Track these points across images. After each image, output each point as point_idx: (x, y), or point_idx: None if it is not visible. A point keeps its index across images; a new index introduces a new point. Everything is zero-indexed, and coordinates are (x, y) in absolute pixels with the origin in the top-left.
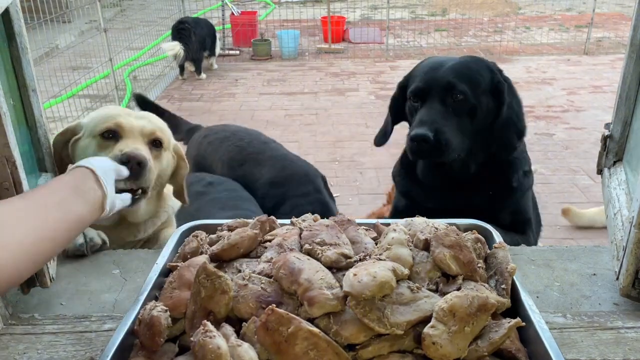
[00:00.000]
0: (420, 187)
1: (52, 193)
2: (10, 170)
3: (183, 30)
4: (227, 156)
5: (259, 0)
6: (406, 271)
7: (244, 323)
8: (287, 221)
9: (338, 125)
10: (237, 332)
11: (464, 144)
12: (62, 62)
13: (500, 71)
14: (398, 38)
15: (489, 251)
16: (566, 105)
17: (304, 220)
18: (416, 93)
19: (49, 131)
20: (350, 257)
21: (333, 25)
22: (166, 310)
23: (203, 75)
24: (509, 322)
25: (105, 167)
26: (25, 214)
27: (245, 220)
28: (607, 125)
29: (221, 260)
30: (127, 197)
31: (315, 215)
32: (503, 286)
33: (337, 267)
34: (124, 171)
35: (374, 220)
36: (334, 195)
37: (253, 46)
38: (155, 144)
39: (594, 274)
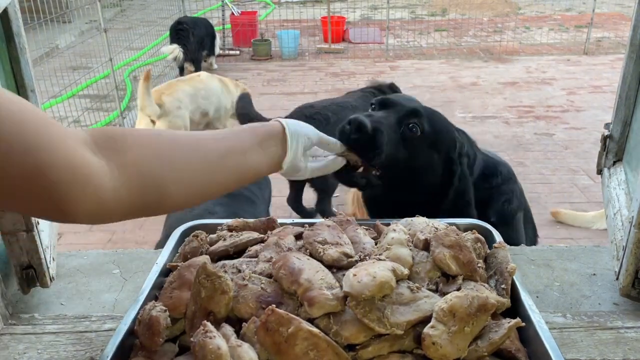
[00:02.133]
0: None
1: (239, 141)
2: None
3: (181, 31)
4: None
5: (259, 0)
6: (406, 271)
7: (244, 323)
8: (286, 220)
9: None
10: (237, 333)
11: (395, 159)
12: (62, 62)
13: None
14: (398, 38)
15: (488, 251)
16: (566, 105)
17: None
18: (381, 102)
19: None
20: (351, 257)
21: (333, 26)
22: (165, 310)
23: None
24: (508, 322)
25: (299, 129)
26: (206, 155)
27: (246, 220)
28: (606, 125)
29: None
30: (323, 164)
31: None
32: (503, 286)
33: (338, 266)
34: (335, 144)
35: (373, 220)
36: (334, 194)
37: (253, 46)
38: None
39: (594, 274)
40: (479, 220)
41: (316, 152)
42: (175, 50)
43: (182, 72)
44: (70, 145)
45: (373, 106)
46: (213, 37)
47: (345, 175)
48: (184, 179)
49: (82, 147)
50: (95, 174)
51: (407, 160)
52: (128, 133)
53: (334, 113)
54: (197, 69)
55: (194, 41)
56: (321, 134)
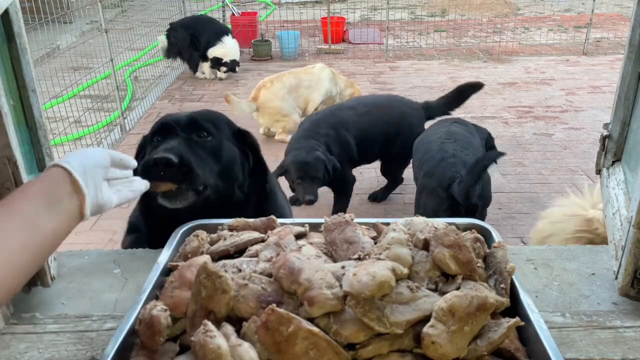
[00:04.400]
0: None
1: (15, 210)
2: (11, 171)
3: (172, 24)
4: None
5: (259, 1)
6: (405, 271)
7: (244, 322)
8: (286, 220)
9: None
10: (238, 332)
11: (208, 179)
12: (63, 63)
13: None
14: (398, 39)
15: (488, 250)
16: (565, 105)
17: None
18: (156, 130)
19: (49, 132)
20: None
21: (333, 26)
22: (166, 310)
23: (203, 74)
24: (508, 322)
25: (87, 163)
26: None
27: (246, 220)
28: (605, 126)
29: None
30: (131, 191)
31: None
32: (502, 285)
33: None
34: (129, 162)
35: (373, 220)
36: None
37: (253, 47)
38: None
39: (593, 274)
40: (479, 220)
41: (114, 173)
42: (164, 40)
43: (194, 70)
44: None
45: (154, 140)
46: (208, 41)
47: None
48: None
49: None
50: None
51: (218, 165)
52: None
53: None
54: (192, 69)
55: (181, 38)
56: (111, 153)
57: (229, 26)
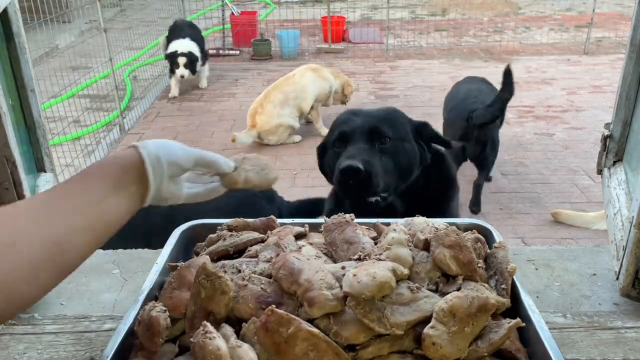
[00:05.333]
0: None
1: (86, 189)
2: (10, 170)
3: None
4: None
5: (259, 0)
6: (406, 271)
7: (244, 323)
8: (286, 220)
9: None
10: (237, 333)
11: (390, 183)
12: (62, 62)
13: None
14: (398, 38)
15: (488, 251)
16: (566, 105)
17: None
18: (339, 137)
19: (47, 131)
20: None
21: (333, 25)
22: (165, 311)
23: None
24: (509, 323)
25: (163, 156)
26: (46, 221)
27: (246, 220)
28: (607, 125)
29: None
30: (202, 191)
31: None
32: (503, 286)
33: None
34: (212, 160)
35: (374, 220)
36: None
37: (253, 46)
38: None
39: (594, 274)
40: (479, 220)
41: (195, 178)
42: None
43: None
44: None
45: (336, 147)
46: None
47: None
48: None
49: None
50: None
51: (398, 168)
52: None
53: None
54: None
55: (163, 44)
56: (201, 153)
57: (204, 33)
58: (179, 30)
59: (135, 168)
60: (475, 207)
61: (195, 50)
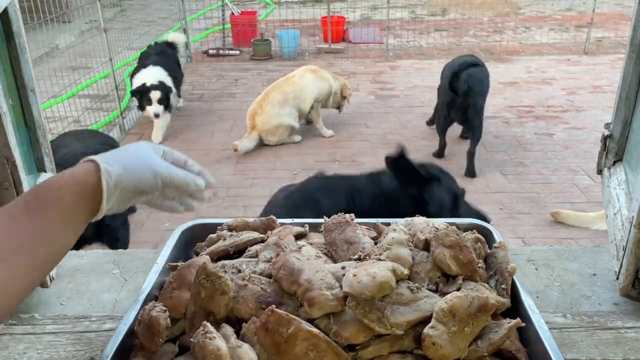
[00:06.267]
0: None
1: (35, 225)
2: (10, 170)
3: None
4: None
5: (259, 0)
6: (406, 271)
7: (244, 323)
8: (286, 220)
9: (338, 125)
10: (237, 333)
11: None
12: (62, 62)
13: None
14: (398, 38)
15: (489, 251)
16: (566, 105)
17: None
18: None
19: (47, 131)
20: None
21: (333, 25)
22: (165, 311)
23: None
24: (509, 323)
25: (125, 179)
26: None
27: (246, 220)
28: (607, 125)
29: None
30: (165, 205)
31: None
32: (503, 286)
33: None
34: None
35: (374, 220)
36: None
37: (253, 46)
38: None
39: (594, 274)
40: (479, 220)
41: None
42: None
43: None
44: None
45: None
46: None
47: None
48: None
49: None
50: None
51: None
52: None
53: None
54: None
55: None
56: (172, 178)
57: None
58: (146, 57)
59: (91, 196)
60: (470, 174)
61: (167, 80)
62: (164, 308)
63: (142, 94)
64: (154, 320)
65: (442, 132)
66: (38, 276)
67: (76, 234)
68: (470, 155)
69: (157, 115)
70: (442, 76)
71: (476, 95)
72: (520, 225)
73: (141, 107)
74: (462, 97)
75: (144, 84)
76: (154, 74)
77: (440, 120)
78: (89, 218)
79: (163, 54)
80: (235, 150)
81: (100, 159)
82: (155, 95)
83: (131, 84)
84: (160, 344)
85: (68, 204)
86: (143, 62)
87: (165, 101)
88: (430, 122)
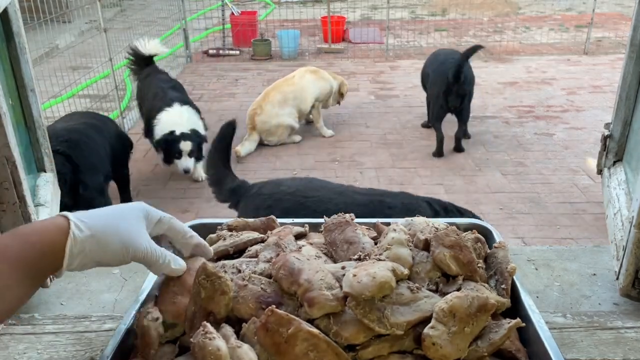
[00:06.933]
0: None
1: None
2: (10, 170)
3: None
4: None
5: (259, 0)
6: (406, 271)
7: (244, 324)
8: (286, 220)
9: (338, 125)
10: (237, 333)
11: None
12: (62, 62)
13: None
14: (398, 38)
15: (489, 251)
16: (566, 105)
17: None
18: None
19: (47, 131)
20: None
21: (333, 25)
22: (157, 319)
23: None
24: (509, 323)
25: (90, 247)
26: None
27: (246, 220)
28: (607, 125)
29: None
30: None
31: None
32: (503, 286)
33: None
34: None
35: (374, 220)
36: None
37: (253, 46)
38: None
39: (594, 274)
40: (479, 220)
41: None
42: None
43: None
44: None
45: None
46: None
47: None
48: None
49: None
50: None
51: None
52: None
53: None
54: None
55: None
56: (142, 255)
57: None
58: (158, 90)
59: (52, 255)
60: (459, 150)
61: (199, 125)
62: (156, 316)
63: (169, 144)
64: (145, 331)
65: (438, 122)
66: None
67: (34, 287)
68: (458, 140)
69: (187, 172)
70: (428, 70)
71: (471, 83)
72: (520, 225)
73: (167, 161)
74: (459, 86)
75: (172, 132)
76: (183, 117)
77: (435, 111)
78: (50, 273)
79: (170, 81)
80: (238, 155)
81: (74, 217)
82: (186, 146)
83: (148, 125)
84: (153, 353)
85: (31, 261)
86: (160, 96)
87: (197, 152)
88: (425, 125)
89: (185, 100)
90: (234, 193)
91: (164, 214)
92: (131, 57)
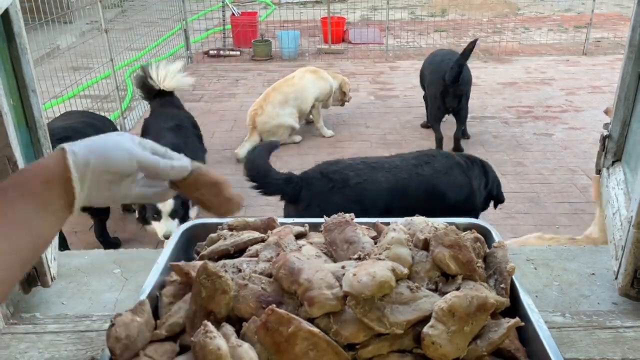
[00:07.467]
0: None
1: (6, 212)
2: (11, 170)
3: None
4: None
5: (259, 1)
6: (405, 271)
7: (244, 323)
8: (286, 220)
9: (338, 125)
10: (238, 332)
11: None
12: (63, 63)
13: None
14: (398, 39)
15: (488, 250)
16: (565, 105)
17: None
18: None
19: (48, 132)
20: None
21: (333, 26)
22: None
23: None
24: (508, 322)
25: (95, 162)
26: None
27: (246, 219)
28: (606, 126)
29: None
30: (150, 193)
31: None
32: (502, 285)
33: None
34: (159, 166)
35: (373, 220)
36: None
37: (253, 47)
38: None
39: (593, 274)
40: (479, 220)
41: (139, 182)
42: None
43: None
44: None
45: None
46: None
47: None
48: None
49: None
50: None
51: None
52: None
53: (358, 174)
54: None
55: None
56: (145, 159)
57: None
58: (155, 132)
59: (60, 180)
60: (458, 150)
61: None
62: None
63: (144, 204)
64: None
65: (436, 123)
66: (19, 267)
67: (54, 224)
68: (457, 139)
69: (166, 238)
70: (427, 71)
71: (468, 83)
72: (519, 225)
73: (143, 220)
74: (456, 86)
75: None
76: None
77: (433, 112)
78: (67, 207)
79: (179, 128)
80: (237, 157)
81: (69, 144)
82: (166, 207)
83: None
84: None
85: (37, 191)
86: (154, 137)
87: (181, 212)
88: (425, 125)
89: (181, 147)
90: (289, 182)
91: (142, 138)
92: (139, 88)
